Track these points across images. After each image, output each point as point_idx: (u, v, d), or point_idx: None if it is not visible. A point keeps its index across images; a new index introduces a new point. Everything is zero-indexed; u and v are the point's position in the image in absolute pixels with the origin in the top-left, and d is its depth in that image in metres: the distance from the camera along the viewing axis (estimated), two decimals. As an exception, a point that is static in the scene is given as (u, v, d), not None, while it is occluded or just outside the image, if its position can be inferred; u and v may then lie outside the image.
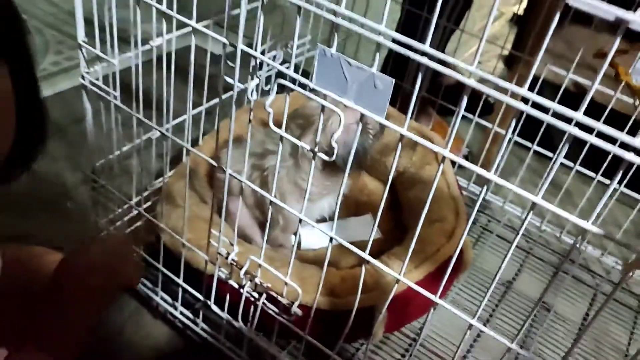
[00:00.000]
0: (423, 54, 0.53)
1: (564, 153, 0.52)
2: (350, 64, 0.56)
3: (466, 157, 1.54)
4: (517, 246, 1.33)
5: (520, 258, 1.31)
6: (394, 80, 0.55)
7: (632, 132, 0.63)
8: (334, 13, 0.58)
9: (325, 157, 0.62)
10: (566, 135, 0.50)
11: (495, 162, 0.59)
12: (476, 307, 1.16)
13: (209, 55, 0.99)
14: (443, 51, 1.63)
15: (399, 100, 1.32)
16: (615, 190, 1.26)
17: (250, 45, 0.66)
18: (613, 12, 0.43)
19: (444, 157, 0.57)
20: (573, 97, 1.24)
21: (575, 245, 0.67)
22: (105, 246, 0.76)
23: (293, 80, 0.61)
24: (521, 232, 0.56)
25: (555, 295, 1.22)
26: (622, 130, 0.48)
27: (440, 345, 1.08)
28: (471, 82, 0.53)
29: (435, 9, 0.52)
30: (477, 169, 0.57)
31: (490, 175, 0.56)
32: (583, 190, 1.27)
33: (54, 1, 2.04)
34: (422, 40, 0.52)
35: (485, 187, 0.58)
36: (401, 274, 0.68)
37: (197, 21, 0.70)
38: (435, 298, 0.67)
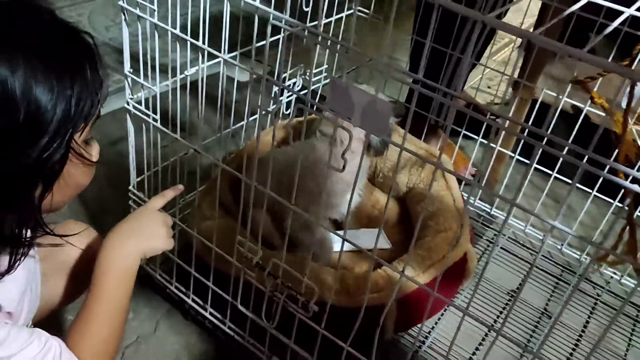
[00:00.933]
0: (416, 82, 0.64)
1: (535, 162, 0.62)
2: (356, 90, 0.67)
3: (473, 176, 1.64)
4: (521, 258, 1.42)
5: (524, 269, 1.40)
6: (392, 105, 0.66)
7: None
8: (347, 49, 0.69)
9: (337, 170, 0.73)
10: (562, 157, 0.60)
11: (503, 180, 0.69)
12: (482, 313, 1.25)
13: (235, 83, 1.11)
14: (465, 80, 1.74)
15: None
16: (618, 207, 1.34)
17: (272, 74, 0.78)
18: (566, 50, 0.54)
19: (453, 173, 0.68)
20: (571, 118, 1.34)
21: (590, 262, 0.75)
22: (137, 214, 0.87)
23: (311, 105, 0.73)
24: (540, 253, 0.66)
25: (557, 303, 1.31)
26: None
27: (446, 347, 1.17)
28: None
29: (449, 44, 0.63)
30: (505, 198, 0.67)
31: (512, 201, 0.66)
32: (582, 204, 1.36)
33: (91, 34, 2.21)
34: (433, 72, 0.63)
35: (508, 212, 0.68)
36: (404, 270, 0.78)
37: (227, 52, 0.82)
38: (432, 293, 0.76)
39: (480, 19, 0.56)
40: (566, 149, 0.56)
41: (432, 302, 1.09)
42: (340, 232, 1.21)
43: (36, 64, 0.57)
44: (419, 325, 1.18)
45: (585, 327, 1.27)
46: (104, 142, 1.65)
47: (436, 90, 0.64)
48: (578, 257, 1.42)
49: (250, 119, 1.28)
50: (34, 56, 0.57)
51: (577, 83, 0.80)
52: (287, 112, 1.46)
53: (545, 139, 0.59)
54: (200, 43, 0.84)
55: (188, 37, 0.86)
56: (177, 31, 0.85)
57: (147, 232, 0.85)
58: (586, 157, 0.56)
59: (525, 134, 0.60)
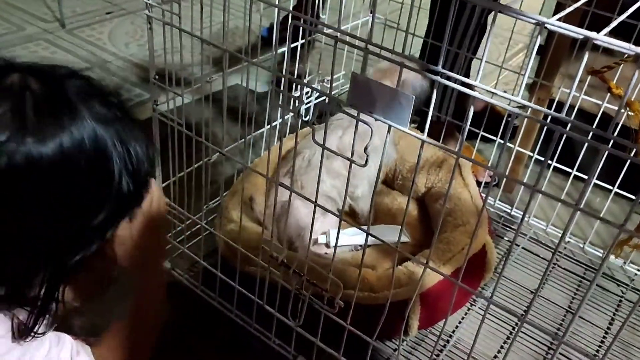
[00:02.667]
0: (438, 74, 0.66)
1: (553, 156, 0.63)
2: (377, 85, 0.69)
3: (487, 184, 1.65)
4: (542, 258, 1.42)
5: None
6: (414, 97, 0.68)
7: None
8: (366, 46, 0.71)
9: (360, 165, 0.75)
10: (584, 147, 0.61)
11: (522, 179, 0.70)
12: (504, 315, 1.24)
13: (255, 92, 1.14)
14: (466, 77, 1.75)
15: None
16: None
17: (291, 82, 0.81)
18: (581, 32, 0.56)
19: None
20: (589, 117, 1.35)
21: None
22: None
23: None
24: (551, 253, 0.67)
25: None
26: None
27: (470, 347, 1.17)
28: (495, 101, 0.65)
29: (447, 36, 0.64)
30: (528, 185, 0.68)
31: (536, 188, 0.67)
32: (602, 203, 1.36)
33: (111, 50, 2.26)
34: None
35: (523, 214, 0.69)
36: (428, 262, 0.79)
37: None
38: (457, 283, 0.77)
39: (498, 9, 0.58)
40: (590, 134, 0.58)
41: (456, 295, 1.10)
42: (372, 228, 1.22)
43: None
44: (444, 321, 1.19)
45: (610, 325, 1.26)
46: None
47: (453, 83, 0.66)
48: (601, 254, 1.41)
49: (268, 127, 1.30)
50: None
51: (594, 73, 0.81)
52: (306, 118, 1.49)
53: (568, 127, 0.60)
54: (223, 46, 0.87)
55: (212, 42, 0.89)
56: (200, 34, 0.87)
57: None
58: (611, 141, 0.57)
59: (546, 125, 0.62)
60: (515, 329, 1.22)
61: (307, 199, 0.87)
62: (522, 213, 1.49)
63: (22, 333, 0.60)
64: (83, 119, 0.54)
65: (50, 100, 0.53)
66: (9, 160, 0.49)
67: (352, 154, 0.76)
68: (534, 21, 0.58)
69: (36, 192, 0.52)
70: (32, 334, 0.60)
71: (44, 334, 0.63)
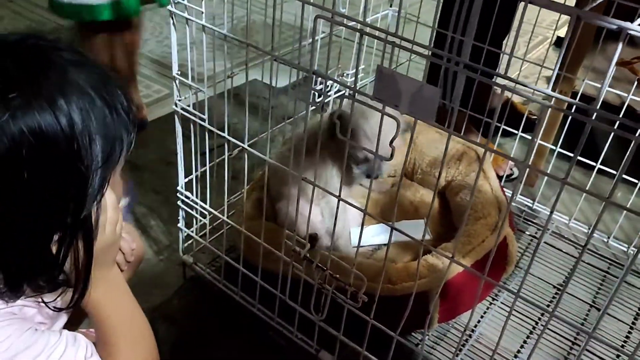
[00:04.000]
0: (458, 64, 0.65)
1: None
2: (403, 77, 0.69)
3: (510, 175, 1.63)
4: (565, 252, 1.40)
5: (570, 264, 1.38)
6: (440, 90, 0.67)
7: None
8: (386, 37, 0.71)
9: (386, 159, 0.75)
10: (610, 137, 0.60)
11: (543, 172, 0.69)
12: (526, 310, 1.23)
13: (276, 87, 1.14)
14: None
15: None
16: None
17: (314, 73, 0.80)
18: (616, 23, 0.55)
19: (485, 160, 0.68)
20: (613, 109, 1.33)
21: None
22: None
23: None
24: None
25: (605, 298, 1.29)
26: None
27: (493, 343, 1.16)
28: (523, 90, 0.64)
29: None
30: (555, 177, 0.67)
31: (563, 180, 0.67)
32: (627, 198, 1.34)
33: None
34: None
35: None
36: (454, 256, 0.78)
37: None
38: (482, 277, 0.76)
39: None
40: (617, 123, 0.57)
41: (474, 289, 1.09)
42: (380, 225, 1.22)
43: (91, 109, 0.57)
44: (468, 315, 1.18)
45: (635, 320, 1.25)
46: (145, 149, 1.70)
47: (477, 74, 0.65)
48: (625, 249, 1.40)
49: (287, 121, 1.30)
50: (92, 102, 0.57)
51: (624, 64, 0.79)
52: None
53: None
54: (246, 40, 0.87)
55: (235, 36, 0.89)
56: (225, 31, 0.87)
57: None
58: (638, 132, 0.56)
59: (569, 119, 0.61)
60: (538, 324, 1.21)
61: (331, 194, 0.87)
62: (543, 207, 1.48)
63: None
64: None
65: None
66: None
67: (377, 148, 0.76)
68: (562, 12, 0.58)
69: (38, 158, 0.53)
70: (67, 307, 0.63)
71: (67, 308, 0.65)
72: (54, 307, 0.66)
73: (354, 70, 1.51)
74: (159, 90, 2.00)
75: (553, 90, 1.48)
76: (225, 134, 0.97)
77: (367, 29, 0.70)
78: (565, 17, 1.86)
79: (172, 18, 0.93)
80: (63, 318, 0.72)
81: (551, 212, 0.66)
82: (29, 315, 0.64)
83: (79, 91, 0.57)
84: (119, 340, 0.70)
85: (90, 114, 0.57)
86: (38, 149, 0.53)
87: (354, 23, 0.75)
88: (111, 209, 0.65)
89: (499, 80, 0.67)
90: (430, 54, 0.74)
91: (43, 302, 0.65)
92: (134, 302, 0.74)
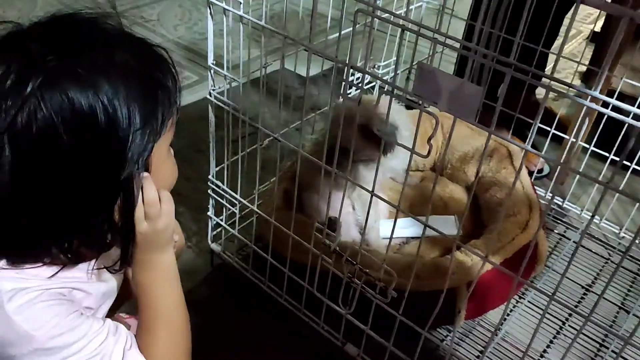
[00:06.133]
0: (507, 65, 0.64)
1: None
2: (444, 75, 0.68)
3: (540, 171, 1.61)
4: (596, 253, 1.38)
5: (599, 265, 1.36)
6: (482, 88, 0.66)
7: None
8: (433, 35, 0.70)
9: (423, 154, 0.74)
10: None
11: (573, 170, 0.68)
12: (553, 309, 1.22)
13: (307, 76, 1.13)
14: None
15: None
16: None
17: (342, 68, 0.80)
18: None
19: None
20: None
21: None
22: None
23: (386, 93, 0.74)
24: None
25: (636, 299, 1.27)
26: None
27: (519, 342, 1.16)
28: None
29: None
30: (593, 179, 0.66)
31: (605, 183, 0.66)
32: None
33: (161, 32, 2.29)
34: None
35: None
36: (487, 256, 0.78)
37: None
38: (516, 278, 0.76)
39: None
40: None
41: (505, 286, 1.09)
42: (422, 218, 1.21)
43: (132, 84, 0.58)
44: (496, 313, 1.18)
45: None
46: (177, 133, 1.71)
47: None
48: (657, 252, 1.37)
49: (317, 112, 1.30)
50: (130, 77, 0.58)
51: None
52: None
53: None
54: (283, 32, 0.86)
55: (271, 27, 0.89)
56: (263, 22, 0.87)
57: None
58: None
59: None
60: (565, 324, 1.20)
61: (364, 188, 0.87)
62: (573, 206, 1.46)
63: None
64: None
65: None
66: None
67: (414, 145, 0.75)
68: (604, 9, 0.56)
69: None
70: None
71: (116, 271, 0.67)
72: (106, 267, 0.67)
73: (385, 62, 1.51)
74: (188, 77, 2.01)
75: (589, 87, 1.46)
76: (259, 124, 0.97)
77: (410, 25, 0.69)
78: (594, 15, 1.82)
79: (210, 8, 0.93)
80: (107, 304, 0.73)
81: (592, 217, 0.65)
82: (77, 299, 0.65)
83: (120, 55, 0.58)
84: (161, 328, 0.70)
85: (130, 77, 0.58)
86: (75, 113, 0.54)
87: (394, 18, 0.74)
88: (167, 198, 0.67)
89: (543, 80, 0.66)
90: (477, 54, 0.72)
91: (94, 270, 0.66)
92: (181, 293, 0.75)
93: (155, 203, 0.65)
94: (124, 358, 0.65)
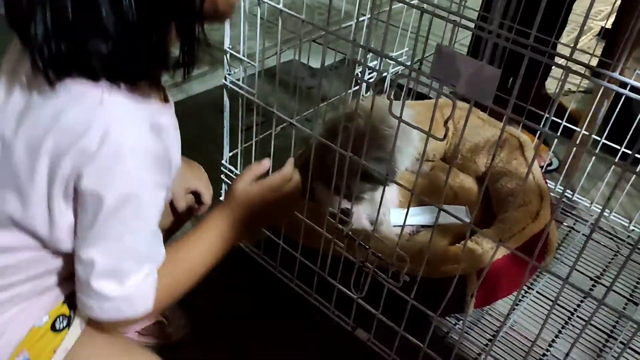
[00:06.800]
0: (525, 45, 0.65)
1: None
2: (463, 57, 0.69)
3: (549, 165, 1.61)
4: (605, 246, 1.39)
5: (608, 258, 1.37)
6: (499, 71, 0.67)
7: None
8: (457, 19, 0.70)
9: (439, 138, 0.75)
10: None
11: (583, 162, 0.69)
12: (563, 300, 1.23)
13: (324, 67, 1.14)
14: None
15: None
16: None
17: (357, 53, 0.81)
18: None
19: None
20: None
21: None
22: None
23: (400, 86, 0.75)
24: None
25: (643, 292, 1.28)
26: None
27: (528, 332, 1.16)
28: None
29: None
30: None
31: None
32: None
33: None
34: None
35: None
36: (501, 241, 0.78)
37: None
38: (531, 262, 0.76)
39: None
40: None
41: (515, 274, 1.09)
42: (422, 208, 1.22)
43: None
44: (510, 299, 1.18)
45: (673, 316, 1.24)
46: (186, 122, 1.72)
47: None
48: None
49: (324, 103, 1.31)
50: None
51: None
52: (367, 94, 1.48)
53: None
54: (302, 17, 0.87)
55: (292, 12, 0.90)
56: (281, 6, 0.88)
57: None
58: None
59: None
60: (574, 315, 1.21)
61: (378, 172, 0.87)
62: (582, 199, 1.46)
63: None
64: None
65: None
66: None
67: (430, 128, 0.76)
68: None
69: None
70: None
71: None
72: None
73: (397, 53, 1.51)
74: (199, 66, 2.01)
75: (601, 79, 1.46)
76: (274, 109, 0.98)
77: (430, 8, 0.70)
78: (610, 8, 1.82)
79: (227, -8, 0.93)
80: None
81: (602, 210, 0.66)
82: (170, 154, 0.66)
83: None
84: (184, 260, 0.73)
85: None
86: None
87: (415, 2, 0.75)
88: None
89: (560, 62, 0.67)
90: (497, 35, 0.73)
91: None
92: (216, 259, 0.78)
93: (287, 178, 0.73)
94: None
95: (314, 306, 1.12)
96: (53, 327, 0.71)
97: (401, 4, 0.81)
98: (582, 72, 0.69)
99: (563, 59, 0.66)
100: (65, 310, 0.73)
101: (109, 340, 0.76)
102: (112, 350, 0.77)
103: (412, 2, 0.74)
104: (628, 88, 0.63)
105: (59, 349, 0.71)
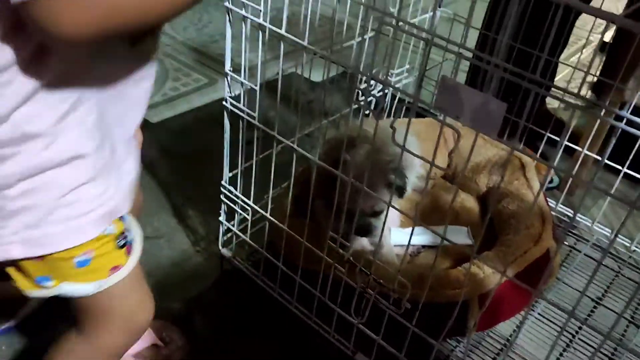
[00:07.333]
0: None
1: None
2: (467, 89, 0.68)
3: (550, 182, 1.61)
4: (606, 266, 1.38)
5: (609, 278, 1.36)
6: (505, 105, 0.66)
7: None
8: (459, 50, 0.70)
9: (443, 169, 0.74)
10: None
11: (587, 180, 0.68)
12: (563, 320, 1.22)
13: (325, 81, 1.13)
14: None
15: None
16: None
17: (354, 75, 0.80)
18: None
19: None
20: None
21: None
22: None
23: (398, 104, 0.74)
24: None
25: (645, 313, 1.27)
26: None
27: (530, 354, 1.15)
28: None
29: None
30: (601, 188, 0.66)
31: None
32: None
33: (170, 34, 2.29)
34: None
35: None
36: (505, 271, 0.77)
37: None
38: (533, 291, 0.75)
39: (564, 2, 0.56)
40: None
41: (516, 298, 1.08)
42: (439, 229, 1.21)
43: None
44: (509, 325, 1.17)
45: (675, 339, 1.23)
46: (184, 138, 1.71)
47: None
48: (667, 266, 1.37)
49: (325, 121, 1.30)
50: None
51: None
52: (367, 112, 1.47)
53: None
54: (304, 43, 0.86)
55: (290, 36, 0.89)
56: (283, 31, 0.87)
57: None
58: None
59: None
60: (575, 337, 1.19)
61: (381, 199, 0.86)
62: (584, 218, 1.46)
63: None
64: None
65: None
66: None
67: (434, 158, 0.75)
68: (607, 19, 0.56)
69: None
70: None
71: None
72: None
73: (399, 70, 1.50)
74: (197, 80, 2.00)
75: (600, 98, 1.46)
76: (275, 132, 0.97)
77: (435, 39, 0.69)
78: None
79: (228, 14, 0.93)
80: None
81: (615, 234, 0.65)
82: None
83: None
84: None
85: None
86: None
87: (417, 31, 0.74)
88: None
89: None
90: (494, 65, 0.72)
91: None
92: None
93: None
94: None
95: (314, 329, 1.11)
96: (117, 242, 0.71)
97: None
98: (582, 96, 0.68)
99: (559, 92, 0.66)
100: (122, 228, 0.72)
101: None
102: None
103: (414, 32, 0.72)
104: (624, 121, 0.62)
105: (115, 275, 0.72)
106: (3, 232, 0.63)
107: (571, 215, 1.48)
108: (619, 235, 1.41)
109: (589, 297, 1.30)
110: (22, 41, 0.55)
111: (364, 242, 1.18)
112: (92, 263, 0.69)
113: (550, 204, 1.46)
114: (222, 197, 1.15)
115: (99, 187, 0.66)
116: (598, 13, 0.60)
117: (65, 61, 0.58)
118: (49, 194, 0.63)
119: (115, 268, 0.72)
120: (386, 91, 1.47)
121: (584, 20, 2.37)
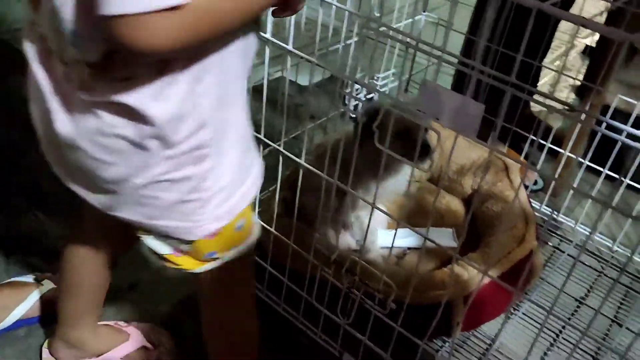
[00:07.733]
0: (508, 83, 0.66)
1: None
2: (447, 92, 0.70)
3: (534, 184, 1.63)
4: (588, 266, 1.40)
5: (592, 278, 1.38)
6: (484, 106, 0.68)
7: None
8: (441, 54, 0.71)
9: (424, 169, 0.76)
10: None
11: (572, 182, 0.70)
12: (548, 322, 1.23)
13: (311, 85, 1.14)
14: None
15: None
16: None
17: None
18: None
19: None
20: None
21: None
22: None
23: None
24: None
25: (628, 312, 1.29)
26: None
27: (514, 354, 1.17)
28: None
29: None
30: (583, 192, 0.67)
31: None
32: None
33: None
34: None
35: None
36: (487, 270, 0.79)
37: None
38: (515, 291, 0.77)
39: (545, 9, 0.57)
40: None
41: (500, 299, 1.10)
42: (422, 230, 1.23)
43: None
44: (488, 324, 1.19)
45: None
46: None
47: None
48: (649, 265, 1.40)
49: (312, 124, 1.31)
50: None
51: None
52: (354, 116, 1.49)
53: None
54: (289, 47, 0.88)
55: (277, 41, 0.90)
56: (269, 35, 0.88)
57: None
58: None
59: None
60: (559, 336, 1.21)
61: (365, 200, 0.88)
62: (567, 219, 1.48)
63: None
64: None
65: None
66: None
67: (415, 158, 0.77)
68: (585, 26, 0.58)
69: None
70: None
71: None
72: None
73: (384, 74, 1.52)
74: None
75: (583, 101, 1.48)
76: (262, 135, 0.98)
77: (418, 44, 0.71)
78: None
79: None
80: None
81: (592, 232, 0.67)
82: None
83: None
84: None
85: None
86: None
87: (401, 36, 0.76)
88: None
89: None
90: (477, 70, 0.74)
91: None
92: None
93: None
94: None
95: (301, 330, 1.12)
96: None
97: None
98: (564, 102, 0.70)
99: (542, 97, 0.67)
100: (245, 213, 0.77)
101: None
102: None
103: (399, 37, 0.74)
104: (603, 126, 0.64)
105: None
106: (202, 217, 0.72)
107: (555, 216, 1.50)
108: (601, 236, 1.44)
109: (572, 297, 1.32)
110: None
111: (348, 239, 1.20)
112: (245, 225, 0.78)
113: (534, 205, 1.49)
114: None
115: (253, 152, 0.79)
116: (571, 18, 0.61)
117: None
118: (226, 177, 0.72)
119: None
120: (373, 95, 1.49)
121: (569, 25, 2.41)
